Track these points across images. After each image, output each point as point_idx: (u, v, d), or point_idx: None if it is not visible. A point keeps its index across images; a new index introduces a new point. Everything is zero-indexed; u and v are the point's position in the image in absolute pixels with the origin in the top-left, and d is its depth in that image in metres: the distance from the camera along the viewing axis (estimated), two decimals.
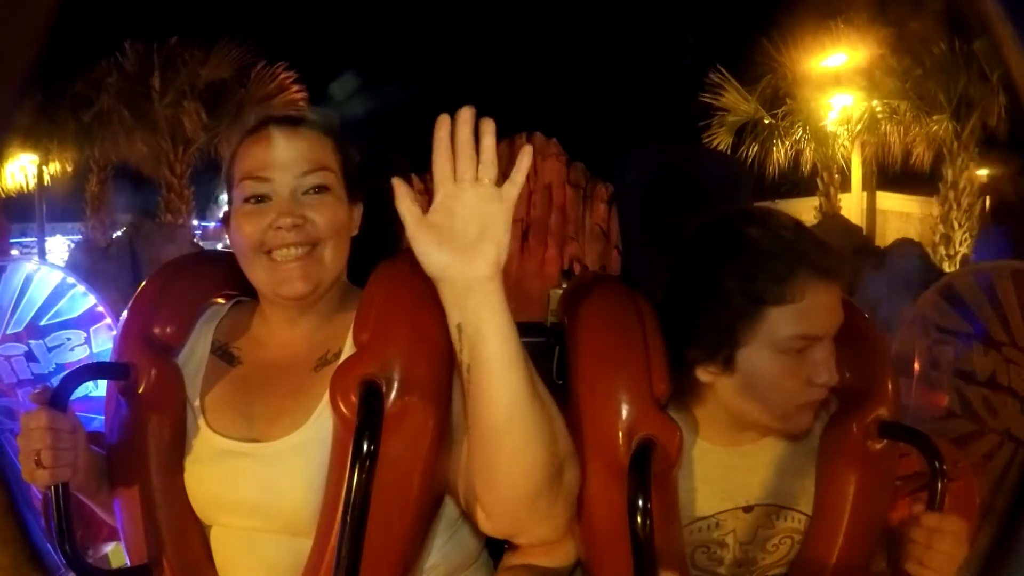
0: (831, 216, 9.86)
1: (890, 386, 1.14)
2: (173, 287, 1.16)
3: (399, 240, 1.33)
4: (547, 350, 1.34)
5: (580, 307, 1.17)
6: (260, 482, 1.04)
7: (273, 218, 1.05)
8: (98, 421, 1.18)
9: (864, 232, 8.84)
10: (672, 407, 1.09)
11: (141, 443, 1.07)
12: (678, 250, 1.09)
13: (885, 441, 1.08)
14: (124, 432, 1.09)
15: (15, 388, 3.34)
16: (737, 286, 0.99)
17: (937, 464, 1.00)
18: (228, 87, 10.28)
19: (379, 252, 1.17)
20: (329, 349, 1.10)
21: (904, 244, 7.13)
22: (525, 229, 9.16)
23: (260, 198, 1.06)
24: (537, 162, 9.37)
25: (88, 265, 6.74)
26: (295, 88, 10.49)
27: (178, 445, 1.08)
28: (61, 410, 1.00)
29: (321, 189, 1.08)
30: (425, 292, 1.10)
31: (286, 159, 1.07)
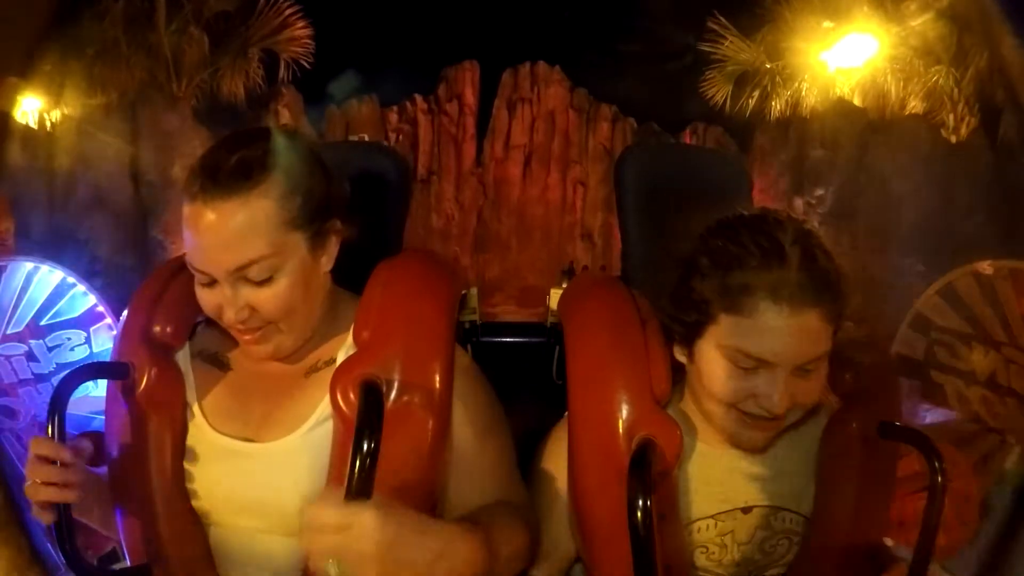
0: (837, 100, 9.59)
1: (890, 386, 1.14)
2: (173, 286, 1.16)
3: (399, 240, 1.33)
4: (547, 350, 1.34)
5: (580, 307, 1.17)
6: (261, 482, 1.04)
7: (220, 305, 1.01)
8: (98, 421, 1.18)
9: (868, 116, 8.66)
10: (671, 408, 1.09)
11: (141, 442, 1.07)
12: (678, 249, 1.09)
13: (885, 441, 1.08)
14: (124, 431, 1.09)
15: (15, 388, 3.34)
16: (701, 281, 1.00)
17: (937, 464, 0.99)
18: (232, 22, 10.09)
19: (379, 252, 1.17)
20: (320, 358, 1.10)
21: (911, 119, 7.03)
22: (528, 155, 9.12)
23: (207, 282, 1.02)
24: (540, 90, 9.30)
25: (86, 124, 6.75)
26: (300, 24, 10.32)
27: (178, 444, 1.08)
28: (62, 410, 1.00)
29: (263, 281, 0.99)
30: (426, 291, 1.10)
31: (216, 250, 0.98)
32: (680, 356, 1.06)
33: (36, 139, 7.38)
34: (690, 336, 1.02)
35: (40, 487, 0.97)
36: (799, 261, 0.96)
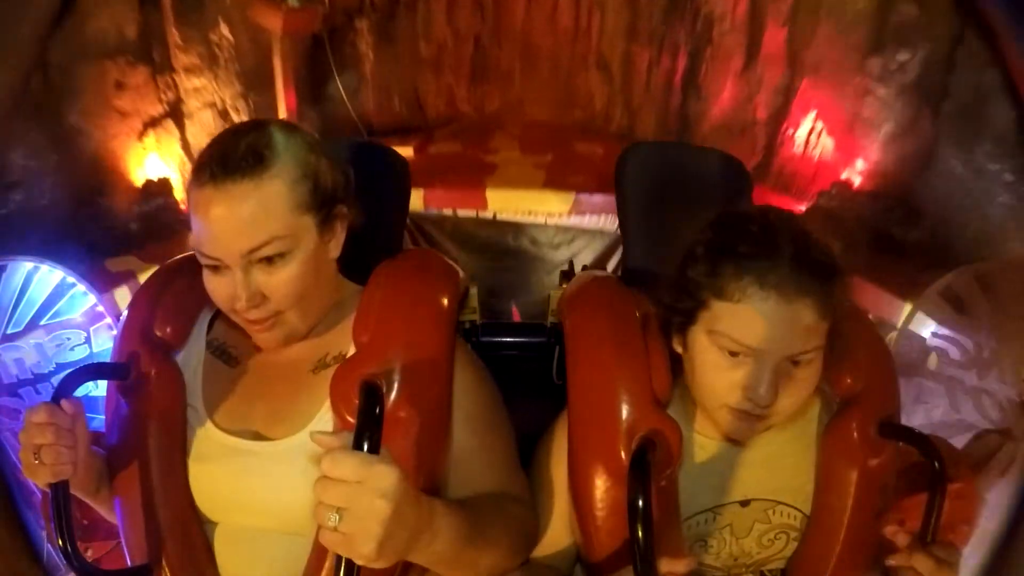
0: None
1: (890, 386, 1.14)
2: (173, 286, 1.16)
3: (399, 240, 1.33)
4: (547, 350, 1.34)
5: (580, 307, 1.17)
6: (265, 480, 1.04)
7: (231, 293, 1.01)
8: (98, 421, 1.18)
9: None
10: (673, 403, 1.09)
11: (141, 443, 1.07)
12: (678, 249, 1.09)
13: (885, 441, 1.08)
14: (124, 432, 1.09)
15: (15, 388, 3.34)
16: (694, 267, 1.01)
17: (937, 464, 0.99)
18: None
19: (379, 252, 1.17)
20: (328, 352, 1.10)
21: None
22: None
23: (215, 267, 1.01)
24: None
25: None
26: None
27: (179, 444, 1.08)
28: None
29: (273, 259, 1.00)
30: (425, 292, 1.10)
31: (229, 233, 0.97)
32: (677, 346, 1.07)
33: None
34: (684, 323, 1.04)
35: (37, 466, 0.95)
36: (792, 251, 0.96)
